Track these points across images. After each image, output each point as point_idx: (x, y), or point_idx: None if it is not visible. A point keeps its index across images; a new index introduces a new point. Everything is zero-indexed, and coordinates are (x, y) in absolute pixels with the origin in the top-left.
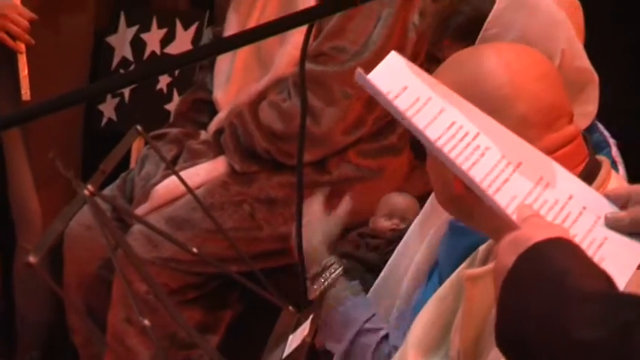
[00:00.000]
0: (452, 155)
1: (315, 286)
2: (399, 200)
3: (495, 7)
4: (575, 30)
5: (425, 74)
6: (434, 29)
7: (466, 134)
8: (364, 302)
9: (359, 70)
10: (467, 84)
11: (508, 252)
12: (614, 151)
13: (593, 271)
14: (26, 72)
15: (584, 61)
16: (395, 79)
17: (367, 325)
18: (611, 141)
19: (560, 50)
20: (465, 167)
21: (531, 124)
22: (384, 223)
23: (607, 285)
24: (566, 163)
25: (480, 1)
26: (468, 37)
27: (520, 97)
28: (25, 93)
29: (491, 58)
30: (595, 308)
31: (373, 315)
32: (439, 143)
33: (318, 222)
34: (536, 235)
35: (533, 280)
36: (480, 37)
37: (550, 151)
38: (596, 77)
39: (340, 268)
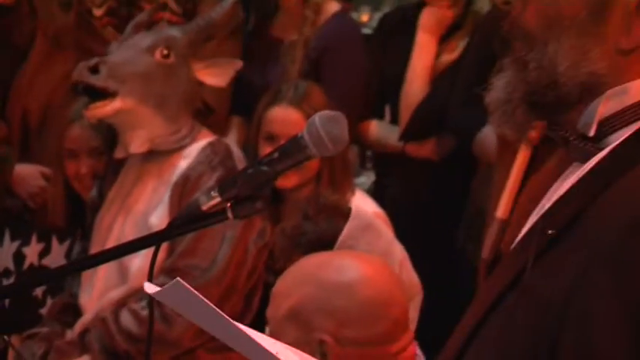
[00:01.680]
0: None
1: None
2: None
3: (345, 230)
4: None
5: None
6: (283, 248)
7: None
8: None
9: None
10: (338, 292)
11: None
12: None
13: None
14: None
15: (414, 276)
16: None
17: None
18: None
19: (398, 266)
20: None
21: (401, 326)
22: None
23: None
24: None
25: (329, 222)
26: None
27: (394, 302)
28: None
29: (362, 267)
30: None
31: None
32: None
33: None
34: None
35: None
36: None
37: (405, 348)
38: (421, 291)
39: None
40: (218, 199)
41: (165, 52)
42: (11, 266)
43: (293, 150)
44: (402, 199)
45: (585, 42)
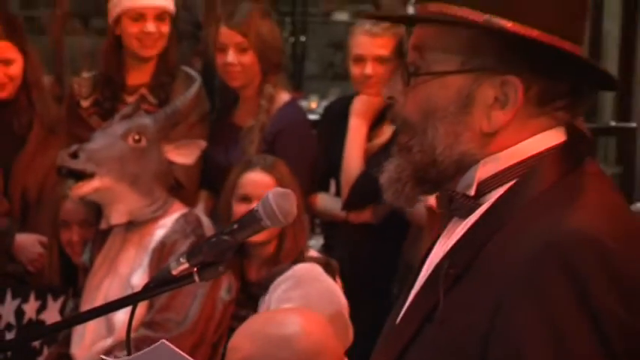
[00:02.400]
0: None
1: None
2: None
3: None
4: None
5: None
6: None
7: None
8: None
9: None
10: (281, 345)
11: None
12: None
13: None
14: None
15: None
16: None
17: None
18: None
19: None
20: None
21: None
22: None
23: None
24: None
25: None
26: None
27: (328, 352)
28: None
29: (300, 322)
30: None
31: None
32: None
33: None
34: None
35: None
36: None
37: None
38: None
39: None
40: (186, 265)
41: (137, 137)
42: (13, 321)
43: (250, 222)
44: (346, 259)
45: (456, 128)
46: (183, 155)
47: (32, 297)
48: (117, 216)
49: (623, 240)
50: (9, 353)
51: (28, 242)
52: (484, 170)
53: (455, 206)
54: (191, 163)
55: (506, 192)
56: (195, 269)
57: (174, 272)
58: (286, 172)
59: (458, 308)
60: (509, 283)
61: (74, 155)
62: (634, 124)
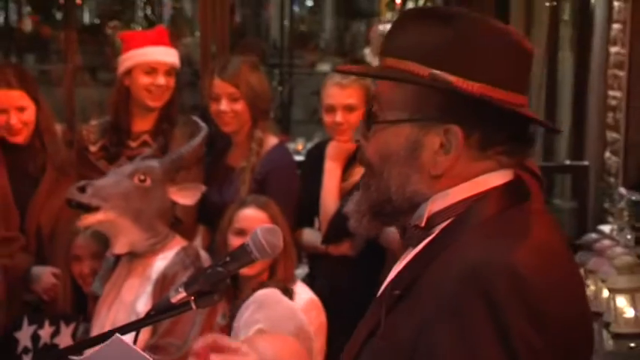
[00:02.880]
0: None
1: None
2: None
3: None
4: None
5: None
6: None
7: None
8: None
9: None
10: None
11: None
12: None
13: None
14: None
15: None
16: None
17: None
18: None
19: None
20: None
21: None
22: None
23: None
24: None
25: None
26: None
27: None
28: None
29: (274, 346)
30: None
31: None
32: None
33: None
34: None
35: None
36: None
37: None
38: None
39: None
40: (184, 294)
41: (143, 177)
42: (29, 345)
43: (241, 255)
44: (328, 286)
45: (407, 171)
46: (186, 197)
47: (47, 323)
48: (119, 246)
49: (542, 274)
50: None
51: (43, 274)
52: (434, 205)
53: (408, 235)
54: (192, 204)
55: (449, 224)
56: (192, 298)
57: (173, 300)
58: (277, 210)
59: (395, 325)
60: (435, 304)
61: (82, 189)
62: (587, 163)
